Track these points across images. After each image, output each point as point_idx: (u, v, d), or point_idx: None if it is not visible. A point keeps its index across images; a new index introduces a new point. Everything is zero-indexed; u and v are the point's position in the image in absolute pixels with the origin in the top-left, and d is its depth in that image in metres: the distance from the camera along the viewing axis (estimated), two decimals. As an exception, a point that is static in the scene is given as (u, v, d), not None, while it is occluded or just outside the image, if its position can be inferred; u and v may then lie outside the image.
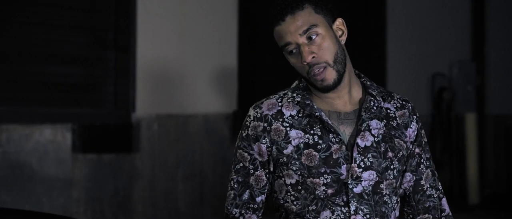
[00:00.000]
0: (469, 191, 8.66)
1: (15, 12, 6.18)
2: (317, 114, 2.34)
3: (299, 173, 2.33)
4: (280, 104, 2.41)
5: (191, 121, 7.02)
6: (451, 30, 9.13)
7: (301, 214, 2.36)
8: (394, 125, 2.40)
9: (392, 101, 2.45)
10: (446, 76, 9.01)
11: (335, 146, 2.32)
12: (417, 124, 2.49)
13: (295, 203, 2.38)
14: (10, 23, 6.18)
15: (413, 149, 2.46)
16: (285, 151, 2.34)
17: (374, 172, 2.33)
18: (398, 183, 2.43)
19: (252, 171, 2.43)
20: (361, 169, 2.33)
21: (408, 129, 2.45)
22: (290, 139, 2.34)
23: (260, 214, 2.49)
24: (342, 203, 2.32)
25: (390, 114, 2.42)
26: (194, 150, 7.02)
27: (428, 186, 2.49)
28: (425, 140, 2.53)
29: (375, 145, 2.35)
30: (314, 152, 2.32)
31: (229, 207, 2.49)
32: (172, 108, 6.93)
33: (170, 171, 6.91)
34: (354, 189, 2.32)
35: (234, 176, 2.45)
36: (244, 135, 2.43)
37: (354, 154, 2.32)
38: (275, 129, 2.36)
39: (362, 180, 2.33)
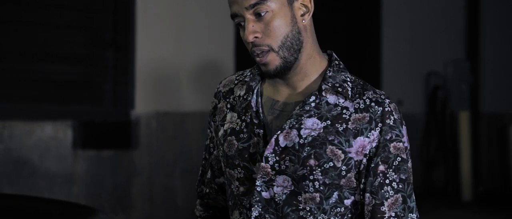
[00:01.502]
0: (463, 188, 8.80)
1: (16, 12, 6.31)
2: (249, 98, 2.00)
3: (222, 160, 2.04)
4: (235, 82, 2.10)
5: (188, 118, 7.16)
6: (446, 29, 9.26)
7: (226, 208, 2.12)
8: (340, 129, 1.91)
9: (357, 100, 1.94)
10: (441, 75, 9.14)
11: (255, 139, 1.95)
12: (382, 135, 1.91)
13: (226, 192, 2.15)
14: (12, 23, 6.31)
15: (371, 164, 1.92)
16: (219, 134, 2.05)
17: (289, 179, 1.91)
18: (352, 206, 1.96)
19: (212, 150, 2.16)
20: (274, 172, 1.92)
21: (359, 138, 1.91)
22: (225, 122, 2.04)
23: (224, 196, 2.19)
24: (248, 206, 1.97)
25: (343, 116, 1.92)
26: (192, 147, 7.16)
27: (392, 215, 1.92)
28: (401, 158, 1.94)
29: (297, 147, 1.90)
30: (235, 141, 1.98)
31: (197, 184, 2.24)
32: (170, 105, 7.07)
33: (168, 168, 7.05)
34: (263, 193, 1.94)
35: (204, 153, 2.18)
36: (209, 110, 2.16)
37: (266, 152, 1.92)
38: (220, 108, 2.08)
39: (274, 185, 1.93)
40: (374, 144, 1.91)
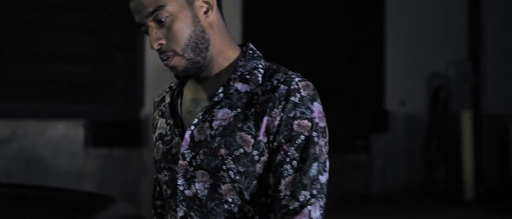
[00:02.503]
0: (465, 188, 8.92)
1: (28, 14, 6.47)
2: (168, 101, 2.01)
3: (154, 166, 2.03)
4: (167, 90, 2.07)
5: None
6: (448, 31, 9.39)
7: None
8: (249, 114, 1.85)
9: (266, 83, 1.88)
10: (443, 76, 9.27)
11: (176, 139, 1.92)
12: (285, 113, 1.81)
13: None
14: (24, 25, 6.47)
15: (274, 143, 1.83)
16: (153, 141, 2.05)
17: (206, 173, 1.86)
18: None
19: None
20: (192, 168, 1.88)
21: (264, 118, 1.83)
22: (156, 129, 2.03)
23: None
24: (174, 207, 1.92)
25: (253, 101, 1.87)
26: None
27: (288, 194, 1.81)
28: (305, 136, 1.83)
29: (209, 139, 1.86)
30: (160, 145, 1.96)
31: (152, 197, 2.22)
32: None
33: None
34: (186, 192, 1.89)
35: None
36: None
37: (182, 149, 1.89)
38: (154, 118, 2.06)
39: (195, 181, 1.88)
40: (276, 122, 1.81)
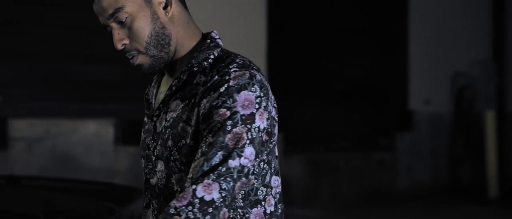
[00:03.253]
0: (489, 185, 8.98)
1: (62, 16, 6.67)
2: (145, 92, 2.08)
3: None
4: (154, 81, 2.11)
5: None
6: (472, 31, 9.45)
7: None
8: (191, 105, 1.88)
9: (210, 74, 1.89)
10: (467, 75, 9.33)
11: (151, 129, 1.97)
12: (210, 102, 1.82)
13: None
14: (58, 27, 6.67)
15: (203, 133, 1.84)
16: None
17: (163, 163, 1.90)
18: None
19: None
20: (154, 157, 1.93)
21: (196, 108, 1.86)
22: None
23: None
24: (145, 194, 2.00)
25: (198, 92, 1.89)
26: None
27: (190, 177, 1.79)
28: (221, 124, 1.80)
29: (163, 130, 1.90)
30: (142, 134, 2.02)
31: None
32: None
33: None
34: (151, 180, 1.94)
35: None
36: None
37: (147, 139, 1.95)
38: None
39: (157, 170, 1.92)
40: (202, 112, 1.83)
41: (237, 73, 1.83)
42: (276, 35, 7.96)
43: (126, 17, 1.87)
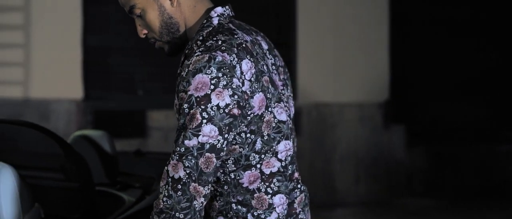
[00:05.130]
0: None
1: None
2: None
3: None
4: None
5: (346, 108, 7.85)
6: None
7: None
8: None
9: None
10: None
11: None
12: (177, 85, 2.05)
13: None
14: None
15: None
16: None
17: None
18: None
19: None
20: None
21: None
22: None
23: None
24: None
25: None
26: (350, 135, 7.84)
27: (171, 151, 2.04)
28: (181, 106, 2.01)
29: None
30: None
31: None
32: (329, 97, 7.79)
33: (328, 153, 7.77)
34: None
35: None
36: None
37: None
38: None
39: None
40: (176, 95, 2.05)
41: (197, 57, 1.99)
42: (399, 27, 8.22)
43: (140, 12, 2.14)
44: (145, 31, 2.16)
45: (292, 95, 2.24)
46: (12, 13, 6.82)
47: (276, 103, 2.07)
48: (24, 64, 6.88)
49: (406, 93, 8.36)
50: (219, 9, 2.12)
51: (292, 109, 2.23)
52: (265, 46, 2.19)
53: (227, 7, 2.15)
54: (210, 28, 2.09)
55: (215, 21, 2.10)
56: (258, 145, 2.05)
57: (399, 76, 8.23)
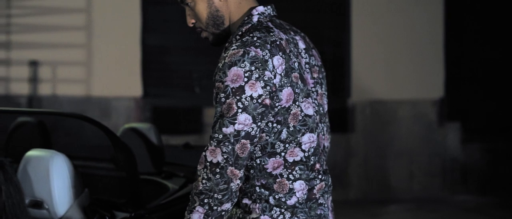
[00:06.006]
0: None
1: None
2: None
3: None
4: None
5: (400, 106, 7.90)
6: None
7: None
8: None
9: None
10: None
11: None
12: (214, 75, 2.22)
13: None
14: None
15: None
16: None
17: None
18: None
19: None
20: None
21: None
22: None
23: None
24: None
25: None
26: (403, 132, 7.89)
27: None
28: (217, 94, 2.19)
29: None
30: None
31: None
32: (383, 94, 7.86)
33: (382, 150, 7.84)
34: None
35: None
36: None
37: None
38: None
39: None
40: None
41: (233, 51, 2.17)
42: (454, 23, 8.22)
43: (190, 3, 2.34)
44: (193, 21, 2.35)
45: (326, 93, 2.38)
46: (75, 14, 7.11)
47: (304, 98, 2.23)
48: (86, 64, 7.16)
49: (461, 90, 8.36)
50: (260, 8, 2.31)
51: (325, 107, 2.38)
52: (302, 46, 2.35)
53: (269, 6, 2.33)
54: (249, 25, 2.25)
55: (255, 19, 2.27)
56: (284, 135, 2.20)
57: (454, 73, 8.23)
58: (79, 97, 7.13)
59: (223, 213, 2.16)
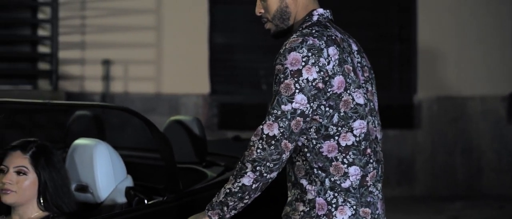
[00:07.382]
0: None
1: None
2: None
3: None
4: None
5: (468, 102, 7.87)
6: None
7: None
8: None
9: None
10: None
11: None
12: (275, 59, 2.44)
13: None
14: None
15: None
16: None
17: None
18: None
19: None
20: None
21: None
22: None
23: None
24: None
25: None
26: (471, 128, 7.86)
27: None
28: (277, 75, 2.41)
29: None
30: None
31: None
32: (451, 90, 7.85)
33: (449, 146, 7.83)
34: None
35: None
36: None
37: None
38: None
39: None
40: None
41: (293, 38, 2.44)
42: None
43: None
44: (262, 10, 2.58)
45: (376, 92, 2.59)
46: (145, 15, 7.41)
47: (356, 89, 2.45)
48: (156, 62, 7.45)
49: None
50: (320, 10, 2.56)
51: (376, 104, 2.58)
52: (355, 47, 2.56)
53: (328, 10, 2.58)
54: (309, 23, 2.51)
55: (315, 18, 2.53)
56: (335, 119, 2.42)
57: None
58: (150, 95, 7.41)
59: (270, 180, 2.39)
